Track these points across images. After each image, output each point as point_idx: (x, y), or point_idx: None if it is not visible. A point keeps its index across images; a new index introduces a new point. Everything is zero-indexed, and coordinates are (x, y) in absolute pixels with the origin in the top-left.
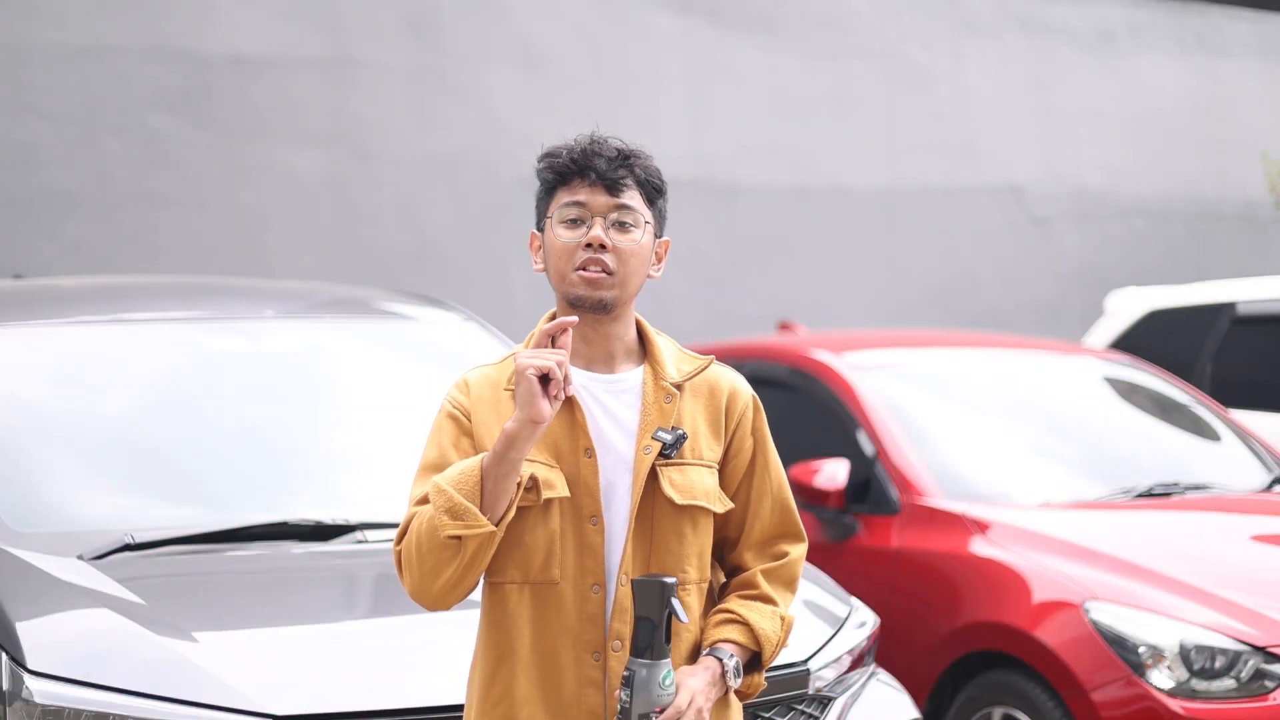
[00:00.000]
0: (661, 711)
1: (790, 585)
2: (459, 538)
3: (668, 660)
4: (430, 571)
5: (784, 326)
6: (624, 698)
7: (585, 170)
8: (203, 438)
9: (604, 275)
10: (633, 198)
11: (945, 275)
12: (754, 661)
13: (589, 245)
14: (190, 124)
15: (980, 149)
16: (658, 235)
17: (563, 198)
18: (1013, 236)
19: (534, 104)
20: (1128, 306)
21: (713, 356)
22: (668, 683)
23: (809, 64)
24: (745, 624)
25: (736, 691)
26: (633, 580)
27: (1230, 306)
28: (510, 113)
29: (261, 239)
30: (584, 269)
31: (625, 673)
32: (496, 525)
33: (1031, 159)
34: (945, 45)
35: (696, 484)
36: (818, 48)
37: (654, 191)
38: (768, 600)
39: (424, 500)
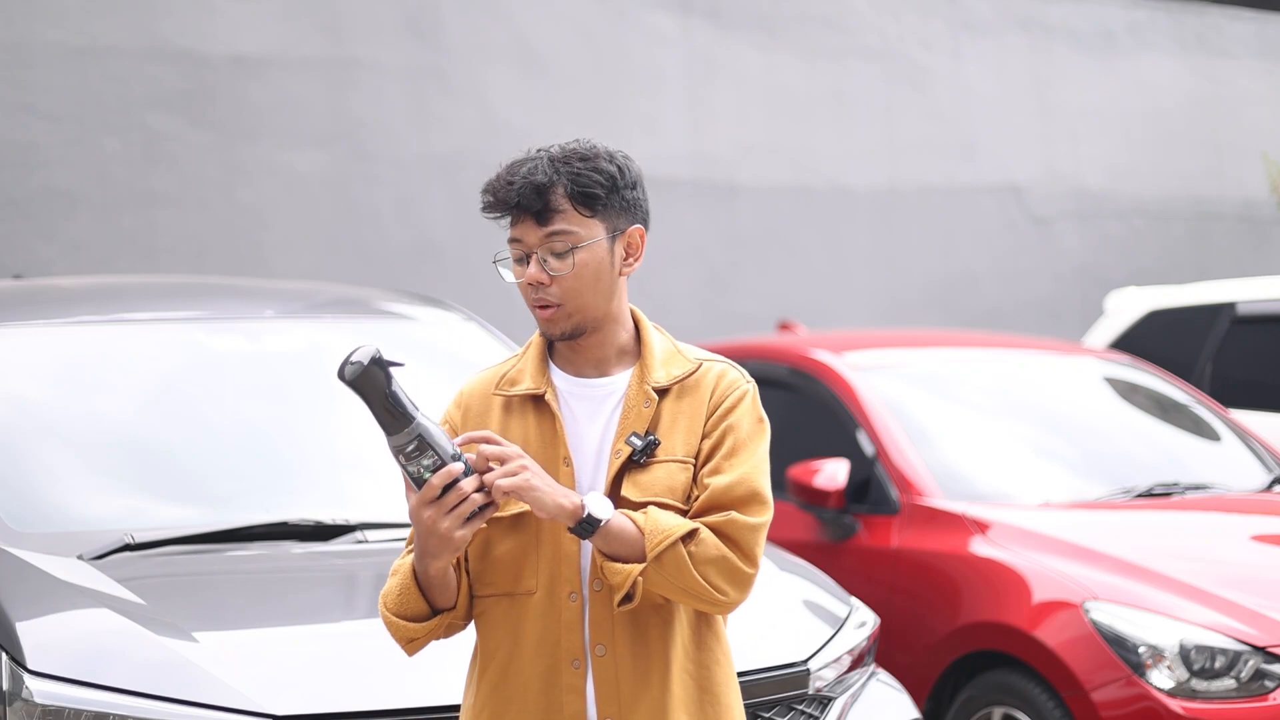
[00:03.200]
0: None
1: (733, 542)
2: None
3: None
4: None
5: (784, 326)
6: (427, 462)
7: (510, 207)
8: (203, 438)
9: (553, 309)
10: (564, 219)
11: (945, 275)
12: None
13: (530, 285)
14: (190, 124)
15: (980, 149)
16: (619, 231)
17: (509, 233)
18: (1013, 236)
19: (533, 103)
20: (1128, 306)
21: (700, 362)
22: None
23: (809, 64)
24: (645, 513)
25: (607, 579)
26: (344, 375)
27: (1230, 306)
28: (509, 112)
29: (261, 239)
30: (536, 308)
31: (408, 444)
32: (453, 608)
33: (1031, 159)
34: (945, 45)
35: (661, 480)
36: (817, 47)
37: (589, 198)
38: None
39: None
